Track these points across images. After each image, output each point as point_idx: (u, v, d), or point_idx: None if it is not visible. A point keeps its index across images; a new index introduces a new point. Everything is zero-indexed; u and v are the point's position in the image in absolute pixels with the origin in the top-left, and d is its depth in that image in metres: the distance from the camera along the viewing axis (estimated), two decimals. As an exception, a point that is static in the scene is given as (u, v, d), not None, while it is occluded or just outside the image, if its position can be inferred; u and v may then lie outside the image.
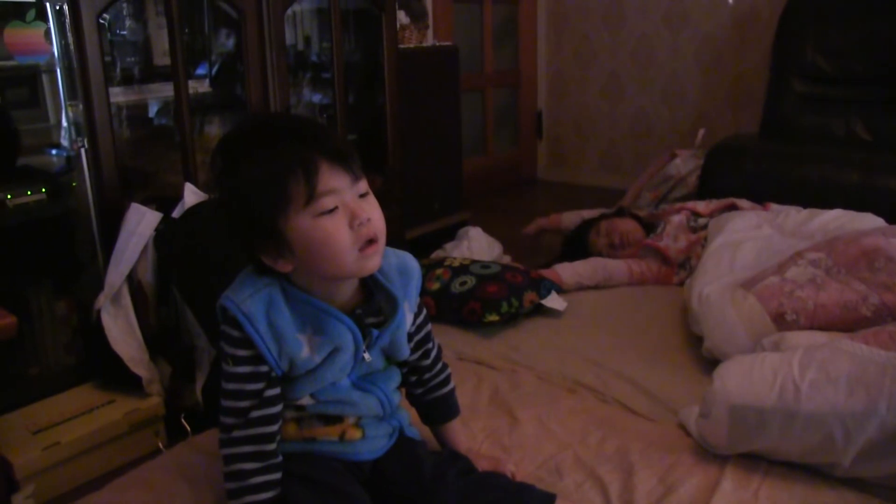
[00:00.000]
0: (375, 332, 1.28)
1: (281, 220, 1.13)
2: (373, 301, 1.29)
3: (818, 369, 1.39)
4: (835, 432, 1.36)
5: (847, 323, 1.70)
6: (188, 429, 1.95)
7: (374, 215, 1.18)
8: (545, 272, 2.46)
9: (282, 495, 1.25)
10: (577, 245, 2.90)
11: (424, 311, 1.41)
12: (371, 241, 1.17)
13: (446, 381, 1.47)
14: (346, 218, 1.15)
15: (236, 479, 1.22)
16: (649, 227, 2.76)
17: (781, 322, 1.76)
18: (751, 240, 2.19)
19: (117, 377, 2.01)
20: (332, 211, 1.14)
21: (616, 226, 2.82)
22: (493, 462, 1.46)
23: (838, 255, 1.86)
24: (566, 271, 2.51)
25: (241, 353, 1.20)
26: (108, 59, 2.27)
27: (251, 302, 1.18)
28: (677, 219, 2.65)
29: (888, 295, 1.70)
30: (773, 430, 1.41)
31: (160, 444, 1.99)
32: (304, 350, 1.22)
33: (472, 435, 1.63)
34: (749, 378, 1.45)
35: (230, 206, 1.18)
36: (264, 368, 1.21)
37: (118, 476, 1.51)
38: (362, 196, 1.18)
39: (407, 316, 1.33)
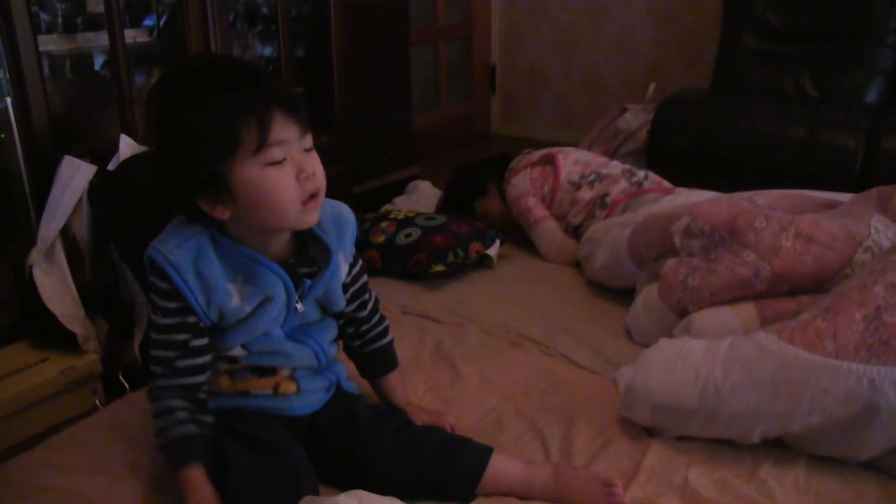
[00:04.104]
0: (308, 281, 1.27)
1: (226, 167, 1.12)
2: (306, 251, 1.28)
3: (741, 370, 1.35)
4: (756, 428, 1.35)
5: (746, 296, 1.66)
6: (126, 386, 1.92)
7: (318, 170, 1.18)
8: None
9: (216, 452, 1.23)
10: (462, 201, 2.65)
11: (360, 262, 1.40)
12: (313, 196, 1.17)
13: (384, 333, 1.47)
14: (293, 171, 1.15)
15: (163, 415, 1.22)
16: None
17: (684, 314, 1.72)
18: None
19: (52, 335, 1.96)
20: (279, 162, 1.13)
21: (488, 208, 2.58)
22: (433, 415, 1.46)
23: (709, 216, 1.78)
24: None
25: (170, 305, 1.20)
26: (34, 8, 2.17)
27: (179, 252, 1.17)
28: (587, 197, 2.39)
29: (779, 261, 1.62)
30: (694, 426, 1.40)
31: (97, 402, 1.95)
32: (233, 300, 1.21)
33: (413, 388, 1.62)
34: (671, 376, 1.40)
35: (172, 148, 1.15)
36: (192, 319, 1.21)
37: (54, 435, 1.48)
38: (307, 150, 1.18)
39: (342, 266, 1.33)
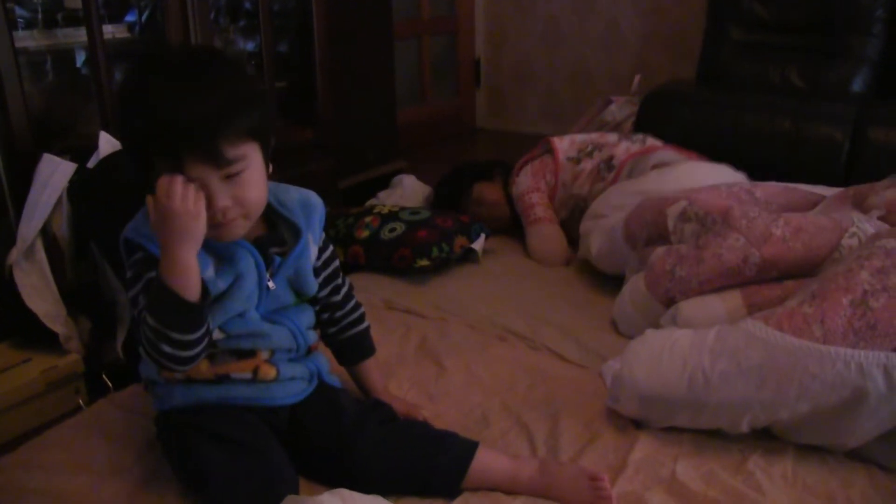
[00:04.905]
0: (278, 259, 1.29)
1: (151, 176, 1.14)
2: (275, 231, 1.31)
3: (729, 359, 1.35)
4: (744, 417, 1.36)
5: (734, 283, 1.67)
6: (109, 385, 1.90)
7: (238, 197, 1.17)
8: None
9: (190, 456, 1.23)
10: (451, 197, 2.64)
11: (331, 247, 1.41)
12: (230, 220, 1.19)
13: (360, 319, 1.48)
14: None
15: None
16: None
17: (671, 304, 1.73)
18: None
19: (34, 335, 1.94)
20: None
21: (485, 194, 2.60)
22: (408, 406, 1.47)
23: (706, 203, 1.79)
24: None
25: (150, 273, 1.18)
26: (9, 4, 2.13)
27: (149, 226, 1.17)
28: (590, 166, 2.43)
29: (769, 247, 1.62)
30: (683, 416, 1.40)
31: (80, 402, 1.94)
32: (209, 268, 1.21)
33: (398, 383, 1.62)
34: (658, 367, 1.41)
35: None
36: None
37: (37, 436, 1.47)
38: (233, 176, 1.16)
39: (311, 248, 1.34)
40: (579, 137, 2.53)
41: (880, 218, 1.70)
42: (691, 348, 1.40)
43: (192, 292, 1.13)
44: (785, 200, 1.91)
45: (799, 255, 1.60)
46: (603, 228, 2.08)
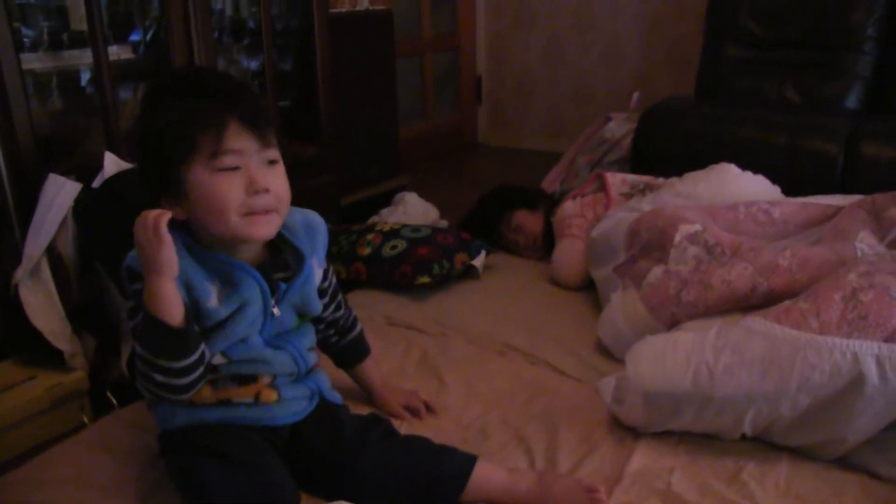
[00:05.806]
0: (283, 285, 1.30)
1: (183, 167, 1.16)
2: (280, 257, 1.31)
3: (732, 352, 1.39)
4: (748, 413, 1.39)
5: (737, 308, 1.68)
6: (114, 402, 1.92)
7: (275, 185, 1.21)
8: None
9: (190, 474, 1.24)
10: (481, 227, 2.59)
11: (331, 268, 1.45)
12: (266, 211, 1.20)
13: (354, 323, 1.55)
14: (243, 181, 1.17)
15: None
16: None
17: (674, 326, 1.73)
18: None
19: (38, 352, 1.95)
20: (231, 170, 1.17)
21: (527, 222, 2.57)
22: (406, 395, 1.55)
23: (719, 236, 1.82)
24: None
25: None
26: (16, 24, 2.18)
27: None
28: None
29: (776, 278, 1.64)
30: (687, 414, 1.42)
31: (85, 419, 1.95)
32: (211, 298, 1.22)
33: (399, 398, 1.64)
34: (662, 364, 1.43)
35: (143, 148, 1.22)
36: None
37: (41, 452, 1.48)
38: (271, 163, 1.21)
39: (315, 271, 1.36)
40: (630, 177, 2.51)
41: None
42: (694, 345, 1.44)
43: (174, 318, 1.13)
44: (803, 218, 1.92)
45: (804, 288, 1.61)
46: (613, 216, 2.10)
